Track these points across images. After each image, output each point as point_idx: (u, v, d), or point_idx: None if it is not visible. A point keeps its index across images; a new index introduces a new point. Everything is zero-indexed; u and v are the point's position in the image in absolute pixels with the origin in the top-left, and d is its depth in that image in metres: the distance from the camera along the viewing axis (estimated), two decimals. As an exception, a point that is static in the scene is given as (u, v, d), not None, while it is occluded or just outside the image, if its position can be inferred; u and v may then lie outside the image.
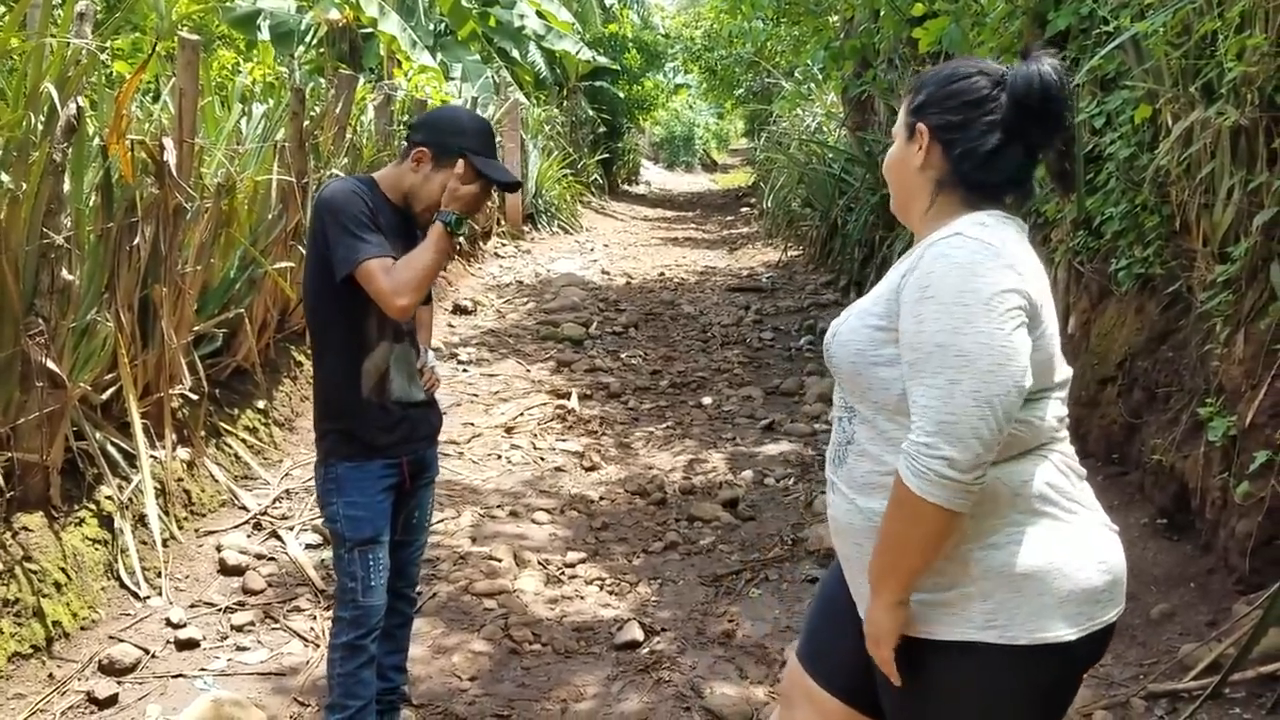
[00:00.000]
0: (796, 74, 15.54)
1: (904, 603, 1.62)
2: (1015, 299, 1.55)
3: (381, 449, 2.60)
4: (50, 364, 3.45)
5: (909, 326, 1.58)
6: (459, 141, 2.51)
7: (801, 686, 1.96)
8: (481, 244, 11.50)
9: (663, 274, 11.27)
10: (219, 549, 4.05)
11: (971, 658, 1.61)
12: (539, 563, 4.17)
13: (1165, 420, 3.94)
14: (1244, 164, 3.47)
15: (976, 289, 1.53)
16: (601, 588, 4.00)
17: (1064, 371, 1.71)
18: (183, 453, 4.37)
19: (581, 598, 3.92)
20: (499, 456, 5.44)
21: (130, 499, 3.88)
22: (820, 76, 13.37)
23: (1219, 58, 3.50)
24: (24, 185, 3.34)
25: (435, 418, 2.81)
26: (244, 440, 4.96)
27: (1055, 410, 1.67)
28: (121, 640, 3.38)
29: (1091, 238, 4.68)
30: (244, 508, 4.45)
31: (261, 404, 5.29)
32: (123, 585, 3.67)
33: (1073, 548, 1.63)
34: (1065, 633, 1.60)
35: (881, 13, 7.63)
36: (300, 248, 5.17)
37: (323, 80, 7.97)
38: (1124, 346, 4.38)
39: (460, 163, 2.49)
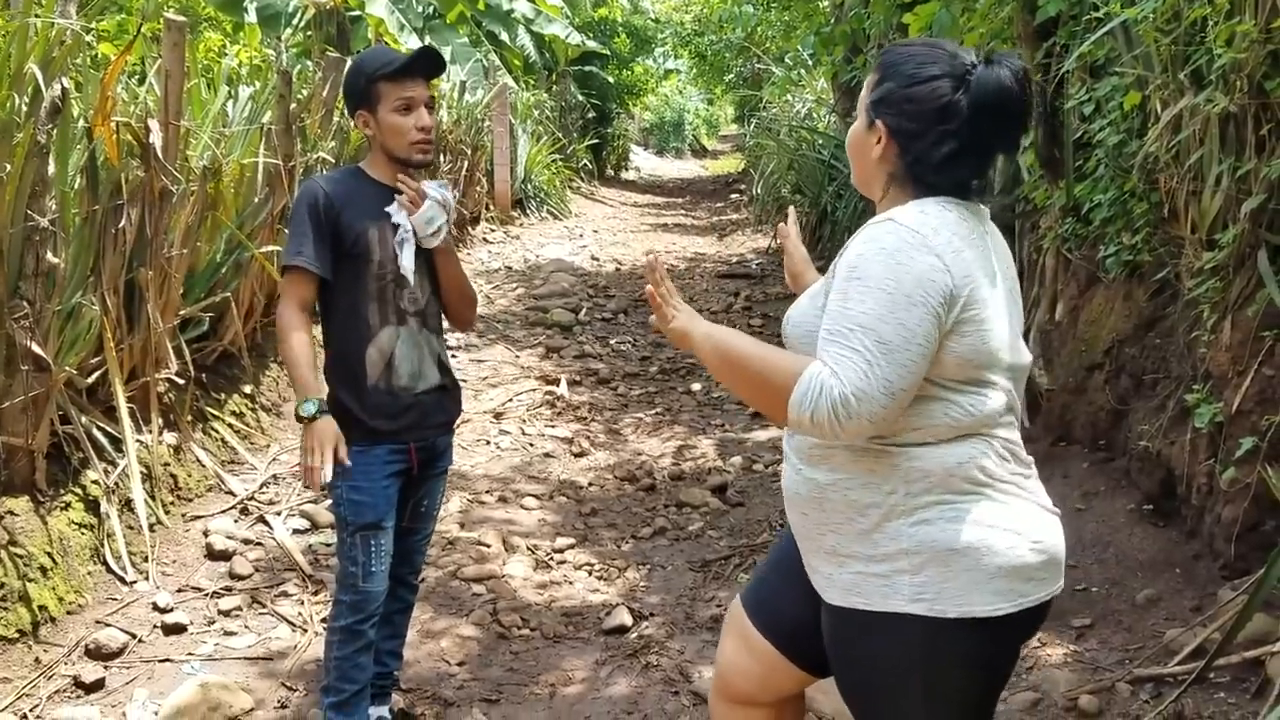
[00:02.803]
0: (787, 59, 15.50)
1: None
2: (935, 290, 1.59)
3: (388, 434, 2.59)
4: (35, 347, 3.43)
5: (834, 301, 1.64)
6: (365, 79, 2.57)
7: (739, 624, 2.03)
8: (470, 229, 11.47)
9: (652, 260, 11.23)
10: (206, 534, 4.04)
11: (903, 628, 1.66)
12: (528, 548, 4.18)
13: (1152, 407, 3.95)
14: (1233, 151, 3.47)
15: (899, 278, 1.59)
16: (590, 573, 4.00)
17: (1017, 357, 1.73)
18: (169, 437, 4.35)
19: (570, 583, 3.92)
20: (488, 442, 5.44)
21: (116, 483, 3.86)
22: (810, 62, 13.33)
23: (1208, 44, 3.50)
24: (8, 167, 3.31)
25: (450, 405, 2.76)
26: (231, 425, 4.94)
27: (1000, 398, 1.70)
28: (108, 625, 3.37)
29: (1080, 225, 4.68)
30: (231, 492, 4.44)
31: (248, 389, 5.27)
32: (109, 570, 3.66)
33: (1005, 526, 1.67)
34: (994, 607, 1.65)
35: (872, -2, 7.60)
36: (286, 231, 5.15)
37: (310, 63, 7.91)
38: (1111, 333, 4.39)
39: (379, 86, 2.54)
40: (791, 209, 2.32)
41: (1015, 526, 1.67)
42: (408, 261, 2.59)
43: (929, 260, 1.60)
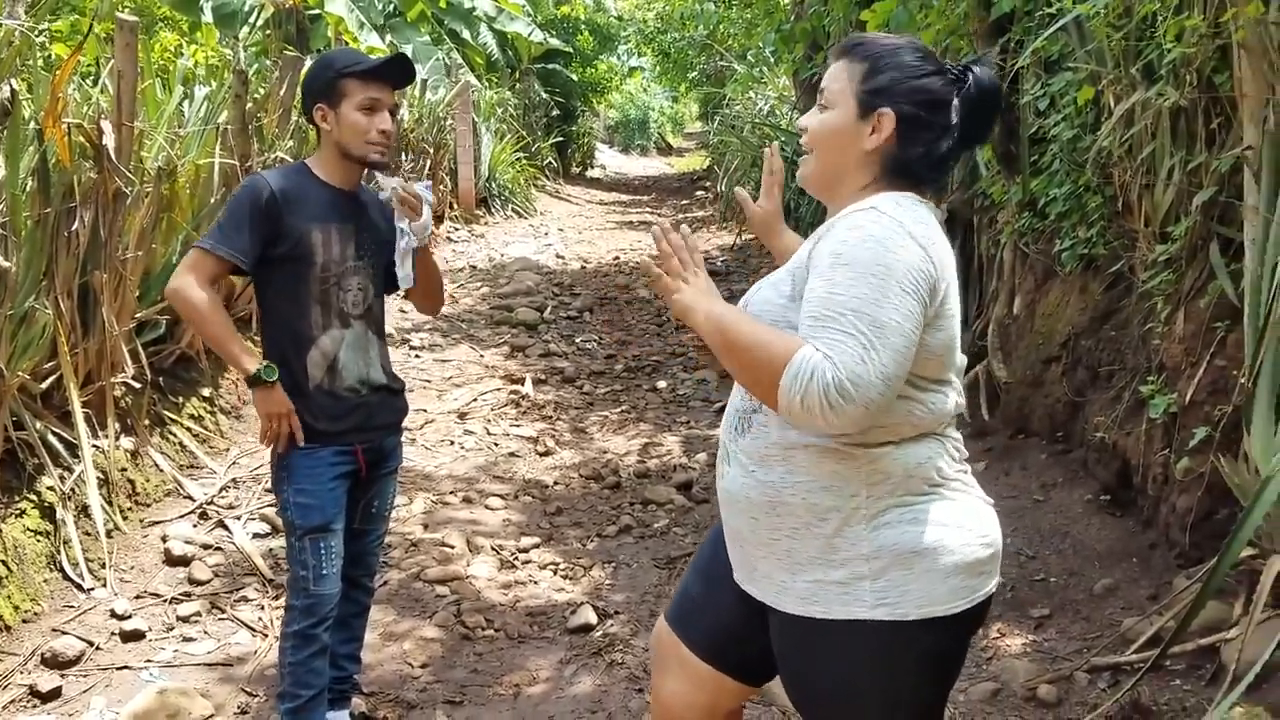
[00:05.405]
0: (749, 57, 15.54)
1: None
2: (924, 279, 1.58)
3: (333, 436, 2.57)
4: (-14, 353, 3.38)
5: (818, 287, 1.57)
6: (333, 73, 2.53)
7: (673, 651, 1.96)
8: (434, 228, 11.39)
9: (618, 258, 11.24)
10: (164, 539, 3.99)
11: (863, 635, 1.64)
12: (492, 548, 4.16)
13: (1108, 398, 4.00)
14: (1183, 144, 3.52)
15: (890, 264, 1.55)
16: (555, 572, 4.00)
17: (962, 359, 1.77)
18: (126, 442, 4.29)
19: (535, 582, 3.91)
20: (452, 442, 5.41)
21: (72, 489, 3.81)
22: (772, 59, 13.38)
23: (1159, 39, 3.54)
24: (-45, 170, 3.26)
25: (397, 405, 2.74)
26: (189, 429, 4.89)
27: (953, 397, 1.72)
28: (65, 633, 3.33)
29: (1036, 219, 4.73)
30: (190, 497, 4.39)
31: (207, 392, 5.21)
32: (66, 577, 3.61)
33: (957, 524, 1.68)
34: (951, 606, 1.65)
35: (831, -5, 7.63)
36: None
37: (268, 62, 7.83)
38: (1068, 326, 4.45)
39: (346, 82, 2.50)
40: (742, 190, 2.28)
41: (965, 523, 1.68)
42: (407, 271, 2.58)
43: (916, 250, 1.58)
